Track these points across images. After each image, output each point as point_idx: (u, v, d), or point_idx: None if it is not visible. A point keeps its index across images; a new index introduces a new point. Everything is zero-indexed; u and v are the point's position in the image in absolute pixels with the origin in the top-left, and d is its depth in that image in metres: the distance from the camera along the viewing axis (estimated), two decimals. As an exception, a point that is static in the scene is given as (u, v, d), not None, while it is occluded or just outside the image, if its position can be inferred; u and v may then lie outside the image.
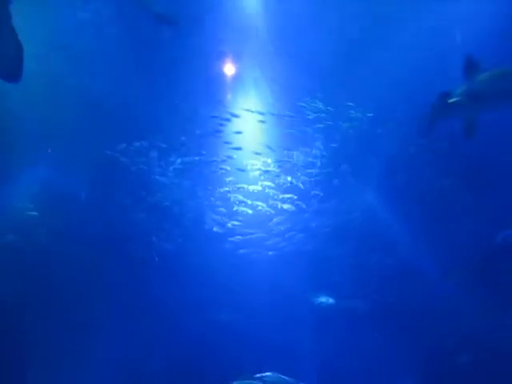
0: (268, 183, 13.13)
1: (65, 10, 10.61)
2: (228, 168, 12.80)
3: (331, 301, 13.98)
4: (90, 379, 12.57)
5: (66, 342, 12.49)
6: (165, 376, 13.27)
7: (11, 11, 3.96)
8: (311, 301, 14.13)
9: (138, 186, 13.14)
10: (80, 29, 10.89)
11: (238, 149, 12.25)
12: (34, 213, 12.66)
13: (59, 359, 12.47)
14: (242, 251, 13.77)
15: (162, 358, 13.56)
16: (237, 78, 12.17)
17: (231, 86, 12.38)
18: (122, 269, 13.34)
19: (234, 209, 13.32)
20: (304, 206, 13.40)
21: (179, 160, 12.90)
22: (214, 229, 13.57)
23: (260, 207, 13.28)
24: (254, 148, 12.62)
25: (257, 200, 13.27)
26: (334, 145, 12.73)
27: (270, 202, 13.31)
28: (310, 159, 13.06)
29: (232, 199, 13.19)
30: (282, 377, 11.53)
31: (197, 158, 12.87)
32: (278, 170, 13.04)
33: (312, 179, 13.11)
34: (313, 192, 13.31)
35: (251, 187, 13.06)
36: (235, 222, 13.42)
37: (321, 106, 12.02)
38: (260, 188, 13.15)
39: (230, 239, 13.60)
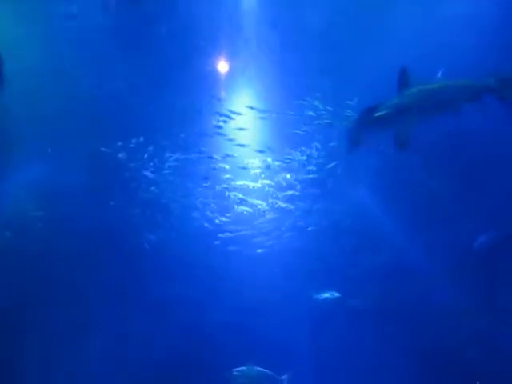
0: (267, 181, 13.23)
1: (54, 6, 10.53)
2: (226, 166, 12.80)
3: (336, 295, 14.06)
4: (85, 371, 12.80)
5: (62, 337, 12.76)
6: (156, 369, 13.42)
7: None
8: (315, 297, 14.23)
9: (133, 182, 13.19)
10: (75, 25, 10.82)
11: (242, 145, 12.19)
12: (31, 210, 12.87)
13: (57, 355, 12.73)
14: (231, 248, 13.91)
15: (154, 352, 13.74)
16: (233, 76, 12.14)
17: (227, 84, 12.34)
18: (116, 264, 13.48)
19: (235, 208, 13.42)
20: (295, 205, 13.50)
21: (173, 157, 12.82)
22: (206, 224, 13.71)
23: (259, 206, 13.42)
24: (253, 146, 12.59)
25: (252, 198, 13.38)
26: (330, 144, 12.71)
27: (270, 200, 13.42)
28: (305, 158, 13.05)
29: (227, 195, 13.24)
30: (259, 370, 11.78)
31: (193, 156, 12.81)
32: (277, 169, 13.09)
33: (305, 177, 13.14)
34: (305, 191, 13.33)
35: (251, 184, 13.15)
36: (224, 219, 13.56)
37: (319, 104, 12.01)
38: (259, 185, 13.24)
39: (220, 236, 13.75)
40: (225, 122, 11.82)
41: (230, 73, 12.05)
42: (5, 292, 12.18)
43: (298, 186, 13.32)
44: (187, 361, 13.16)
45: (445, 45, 9.95)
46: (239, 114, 11.74)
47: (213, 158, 12.64)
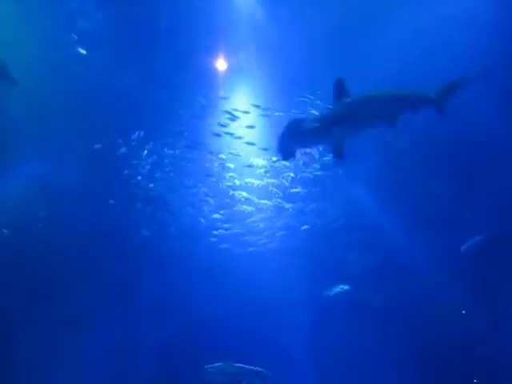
0: (270, 180, 13.15)
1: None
2: (231, 165, 12.73)
3: (346, 287, 14.13)
4: (81, 366, 12.88)
5: (59, 334, 12.79)
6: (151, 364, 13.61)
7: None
8: (325, 293, 14.27)
9: (132, 178, 13.10)
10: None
11: (251, 144, 12.04)
12: (29, 207, 12.74)
13: (52, 353, 12.78)
14: (223, 245, 14.00)
15: (148, 348, 13.88)
16: (236, 74, 12.11)
17: (231, 82, 12.31)
18: (112, 260, 13.50)
19: (235, 207, 13.38)
20: (290, 204, 13.52)
21: (174, 154, 12.84)
22: (201, 221, 13.77)
23: (262, 205, 13.41)
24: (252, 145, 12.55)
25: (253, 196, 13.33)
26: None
27: (274, 199, 13.41)
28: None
29: (231, 193, 13.20)
30: (237, 365, 11.72)
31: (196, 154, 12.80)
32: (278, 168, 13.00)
33: (299, 176, 13.08)
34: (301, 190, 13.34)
35: (256, 182, 13.05)
36: (217, 216, 13.59)
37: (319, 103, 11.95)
38: (262, 183, 13.16)
39: (215, 233, 13.83)
40: (232, 119, 11.70)
41: (233, 71, 12.00)
42: (1, 289, 12.18)
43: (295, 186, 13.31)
44: (180, 355, 13.27)
45: (443, 45, 9.96)
46: (246, 112, 11.63)
47: (212, 153, 12.57)
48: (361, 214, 13.85)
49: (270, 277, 14.28)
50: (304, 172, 12.90)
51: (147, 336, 14.06)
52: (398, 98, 6.25)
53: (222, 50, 11.64)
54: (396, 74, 9.84)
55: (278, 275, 14.40)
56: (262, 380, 11.92)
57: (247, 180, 12.95)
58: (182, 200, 13.60)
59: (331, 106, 6.30)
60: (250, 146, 12.07)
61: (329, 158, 12.49)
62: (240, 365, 11.79)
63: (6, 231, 12.57)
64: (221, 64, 11.93)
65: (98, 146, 12.20)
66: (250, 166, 12.71)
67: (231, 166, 12.58)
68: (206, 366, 11.62)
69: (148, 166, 12.84)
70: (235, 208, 13.57)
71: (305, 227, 13.97)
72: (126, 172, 12.84)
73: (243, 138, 11.96)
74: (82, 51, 10.99)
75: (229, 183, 12.99)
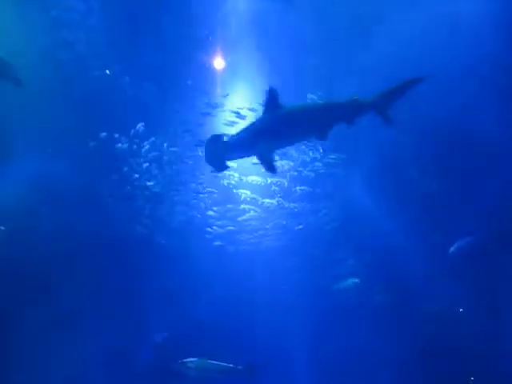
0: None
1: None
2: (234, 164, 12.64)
3: (357, 280, 14.13)
4: (73, 365, 12.89)
5: (55, 329, 12.79)
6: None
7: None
8: (335, 287, 14.31)
9: (129, 173, 13.06)
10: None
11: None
12: (26, 205, 12.70)
13: (46, 351, 12.85)
14: (216, 243, 14.20)
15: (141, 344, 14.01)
16: (232, 73, 12.10)
17: (225, 81, 12.30)
18: (108, 257, 13.52)
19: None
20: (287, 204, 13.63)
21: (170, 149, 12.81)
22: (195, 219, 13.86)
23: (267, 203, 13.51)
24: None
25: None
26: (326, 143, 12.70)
27: (276, 198, 13.51)
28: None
29: (235, 192, 13.26)
30: (212, 362, 11.72)
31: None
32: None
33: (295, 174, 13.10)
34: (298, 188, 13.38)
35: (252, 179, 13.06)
36: (211, 213, 13.70)
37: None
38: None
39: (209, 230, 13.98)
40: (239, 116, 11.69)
41: (235, 69, 11.99)
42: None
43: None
44: (173, 352, 13.10)
45: (443, 45, 9.99)
46: (254, 110, 11.54)
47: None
48: (358, 213, 13.94)
49: (264, 275, 14.41)
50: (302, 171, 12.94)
51: (142, 333, 14.14)
52: (329, 111, 6.06)
53: (222, 47, 11.67)
54: (396, 74, 9.95)
55: (272, 274, 14.52)
56: (237, 377, 11.93)
57: (251, 178, 12.97)
58: (177, 197, 13.62)
59: (260, 117, 6.09)
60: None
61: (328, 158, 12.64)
62: (215, 362, 11.77)
63: (3, 228, 12.51)
64: (219, 62, 11.94)
65: (93, 143, 12.17)
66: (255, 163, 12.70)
67: (234, 164, 12.50)
68: (181, 361, 11.56)
69: (146, 164, 12.83)
70: (230, 206, 13.64)
71: (299, 227, 14.12)
72: (125, 169, 12.84)
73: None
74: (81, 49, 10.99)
75: (231, 181, 13.01)
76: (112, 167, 12.81)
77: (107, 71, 11.26)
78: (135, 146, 12.34)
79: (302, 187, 13.20)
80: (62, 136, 12.05)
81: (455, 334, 12.89)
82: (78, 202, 13.16)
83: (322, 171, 12.84)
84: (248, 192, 13.18)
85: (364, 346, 13.86)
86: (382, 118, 6.00)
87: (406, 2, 9.99)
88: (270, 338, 13.94)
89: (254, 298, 14.12)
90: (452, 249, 12.54)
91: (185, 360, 11.53)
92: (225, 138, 6.20)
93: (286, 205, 13.70)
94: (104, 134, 11.94)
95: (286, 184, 13.17)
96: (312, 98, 11.17)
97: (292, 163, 12.69)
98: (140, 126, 11.85)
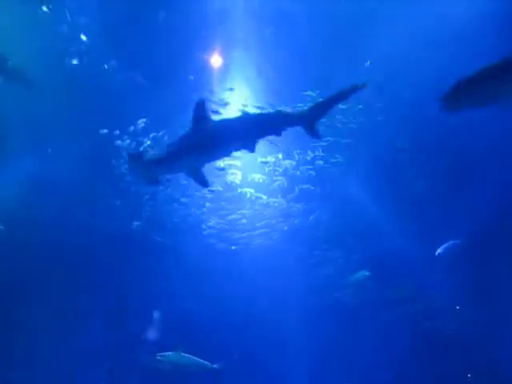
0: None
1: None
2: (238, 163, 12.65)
3: (367, 273, 14.03)
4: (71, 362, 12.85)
5: (52, 327, 12.90)
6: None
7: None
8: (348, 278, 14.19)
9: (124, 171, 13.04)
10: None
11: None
12: (24, 203, 12.65)
13: (45, 346, 12.91)
14: (211, 240, 14.30)
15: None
16: (232, 71, 12.09)
17: (223, 79, 12.27)
18: (104, 254, 13.55)
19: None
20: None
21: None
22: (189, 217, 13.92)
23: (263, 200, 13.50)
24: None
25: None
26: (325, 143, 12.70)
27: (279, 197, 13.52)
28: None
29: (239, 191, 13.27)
30: (187, 356, 11.69)
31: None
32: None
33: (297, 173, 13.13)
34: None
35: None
36: (205, 209, 13.73)
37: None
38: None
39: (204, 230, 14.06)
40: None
41: (235, 68, 11.98)
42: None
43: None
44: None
45: (443, 46, 10.01)
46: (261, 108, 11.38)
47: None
48: (351, 213, 14.01)
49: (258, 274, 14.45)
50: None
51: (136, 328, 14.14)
52: (255, 124, 5.91)
53: (222, 45, 11.65)
54: (395, 74, 10.02)
55: (267, 272, 14.57)
56: (211, 373, 11.89)
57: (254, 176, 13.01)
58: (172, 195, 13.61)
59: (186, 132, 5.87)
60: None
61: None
62: (190, 356, 11.69)
63: (1, 227, 12.51)
64: (217, 60, 11.92)
65: (88, 143, 12.16)
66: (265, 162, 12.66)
67: (237, 163, 12.55)
68: (155, 355, 11.48)
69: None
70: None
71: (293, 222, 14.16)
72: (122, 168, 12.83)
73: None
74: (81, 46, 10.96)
75: (235, 179, 13.00)
76: (110, 164, 12.80)
77: (105, 65, 11.24)
78: (135, 143, 12.30)
79: (305, 186, 13.27)
80: (61, 134, 12.02)
81: (451, 330, 12.97)
82: (75, 198, 13.15)
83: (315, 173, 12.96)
84: (252, 190, 13.18)
85: (354, 344, 13.92)
86: (308, 132, 5.81)
87: (406, 2, 10.00)
88: (262, 336, 14.02)
89: (251, 297, 14.15)
90: (439, 250, 12.61)
91: (159, 354, 11.44)
92: (152, 153, 5.85)
93: (285, 205, 13.78)
94: (105, 130, 11.88)
95: (286, 184, 13.23)
96: (310, 95, 11.14)
97: (294, 162, 12.77)
98: (141, 122, 11.79)
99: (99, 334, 13.56)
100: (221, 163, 12.18)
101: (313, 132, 5.79)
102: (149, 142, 12.13)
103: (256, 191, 13.21)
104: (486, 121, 10.22)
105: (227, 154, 6.12)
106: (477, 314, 12.79)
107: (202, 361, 11.84)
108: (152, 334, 13.69)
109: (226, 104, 11.27)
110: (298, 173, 12.94)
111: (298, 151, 12.69)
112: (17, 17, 9.96)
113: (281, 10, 10.54)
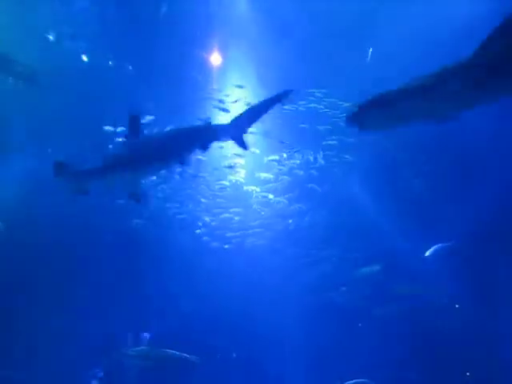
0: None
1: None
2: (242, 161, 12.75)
3: (377, 268, 13.78)
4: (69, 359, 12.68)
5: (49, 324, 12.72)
6: None
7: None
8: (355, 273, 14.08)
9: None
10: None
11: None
12: (23, 201, 12.65)
13: (43, 343, 12.78)
14: (205, 238, 14.37)
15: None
16: (232, 70, 12.08)
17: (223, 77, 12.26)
18: (102, 252, 13.48)
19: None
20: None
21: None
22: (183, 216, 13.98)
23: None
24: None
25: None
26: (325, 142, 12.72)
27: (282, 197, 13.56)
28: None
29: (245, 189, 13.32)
30: (158, 349, 11.31)
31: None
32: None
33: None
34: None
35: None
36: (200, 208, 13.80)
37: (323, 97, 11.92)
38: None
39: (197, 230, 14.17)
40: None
41: (234, 66, 11.97)
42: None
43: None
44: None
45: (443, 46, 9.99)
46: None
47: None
48: (348, 213, 14.03)
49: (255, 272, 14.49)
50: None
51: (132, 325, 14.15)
52: (183, 138, 5.84)
53: (221, 44, 11.65)
54: (395, 74, 9.97)
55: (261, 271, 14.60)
56: (187, 367, 11.46)
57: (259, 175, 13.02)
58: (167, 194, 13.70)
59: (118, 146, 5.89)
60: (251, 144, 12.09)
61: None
62: (164, 349, 11.28)
63: (1, 226, 12.50)
64: (216, 58, 11.91)
65: (87, 143, 12.13)
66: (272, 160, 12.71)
67: (242, 162, 12.59)
68: (125, 350, 11.22)
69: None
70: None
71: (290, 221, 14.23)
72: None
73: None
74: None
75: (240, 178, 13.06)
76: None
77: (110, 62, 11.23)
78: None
79: (309, 185, 13.31)
80: (61, 133, 12.04)
81: (451, 330, 12.98)
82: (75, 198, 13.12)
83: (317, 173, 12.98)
84: (258, 189, 13.19)
85: (352, 343, 13.92)
86: (236, 144, 5.83)
87: (406, 2, 10.00)
88: (255, 334, 13.96)
89: (246, 295, 14.17)
90: (427, 253, 12.61)
91: (127, 349, 11.19)
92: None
93: (282, 205, 13.78)
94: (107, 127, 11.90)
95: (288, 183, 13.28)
96: (313, 92, 11.14)
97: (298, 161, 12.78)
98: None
99: (99, 333, 13.52)
100: (227, 162, 12.31)
101: (240, 143, 5.82)
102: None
103: (261, 190, 13.28)
104: (485, 120, 10.29)
105: (160, 167, 6.08)
106: (477, 313, 12.79)
107: (178, 353, 11.34)
108: (143, 332, 13.73)
109: (231, 102, 11.36)
110: (302, 172, 12.96)
111: (296, 149, 12.75)
112: (17, 17, 10.02)
113: (282, 10, 10.61)
